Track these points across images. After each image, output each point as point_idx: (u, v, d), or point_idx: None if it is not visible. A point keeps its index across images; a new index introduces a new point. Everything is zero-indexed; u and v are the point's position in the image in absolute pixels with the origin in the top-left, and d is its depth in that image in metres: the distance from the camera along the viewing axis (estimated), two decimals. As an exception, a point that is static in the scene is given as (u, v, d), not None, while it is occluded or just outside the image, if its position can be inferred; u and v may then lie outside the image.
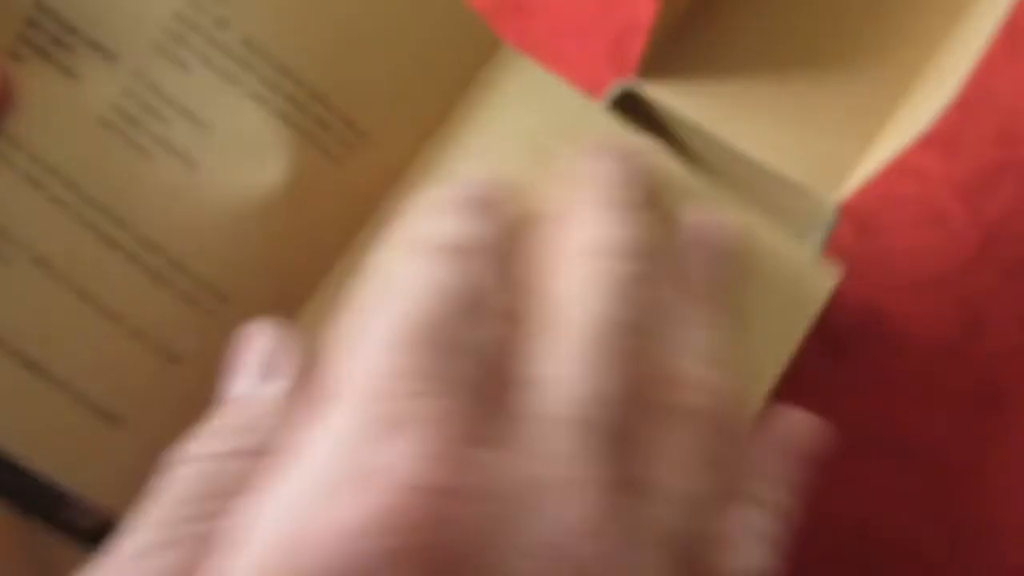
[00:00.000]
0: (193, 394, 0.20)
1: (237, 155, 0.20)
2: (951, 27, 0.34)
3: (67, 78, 0.19)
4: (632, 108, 0.35)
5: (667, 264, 0.19)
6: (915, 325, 0.40)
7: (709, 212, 0.21)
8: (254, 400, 0.16)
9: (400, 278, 0.17)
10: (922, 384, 0.38)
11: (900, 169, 0.44)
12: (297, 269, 0.21)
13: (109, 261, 0.19)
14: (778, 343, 0.22)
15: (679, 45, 0.34)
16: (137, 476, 0.19)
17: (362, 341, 0.16)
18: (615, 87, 0.34)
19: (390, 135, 0.21)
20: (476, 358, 0.16)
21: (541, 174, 0.22)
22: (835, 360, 0.39)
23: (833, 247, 0.32)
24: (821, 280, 0.24)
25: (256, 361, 0.17)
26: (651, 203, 0.19)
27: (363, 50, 0.21)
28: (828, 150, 0.33)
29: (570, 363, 0.16)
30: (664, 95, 0.34)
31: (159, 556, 0.15)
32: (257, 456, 0.16)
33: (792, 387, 0.24)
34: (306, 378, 0.17)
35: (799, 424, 0.20)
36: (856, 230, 0.42)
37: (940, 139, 0.45)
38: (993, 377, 0.39)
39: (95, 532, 0.20)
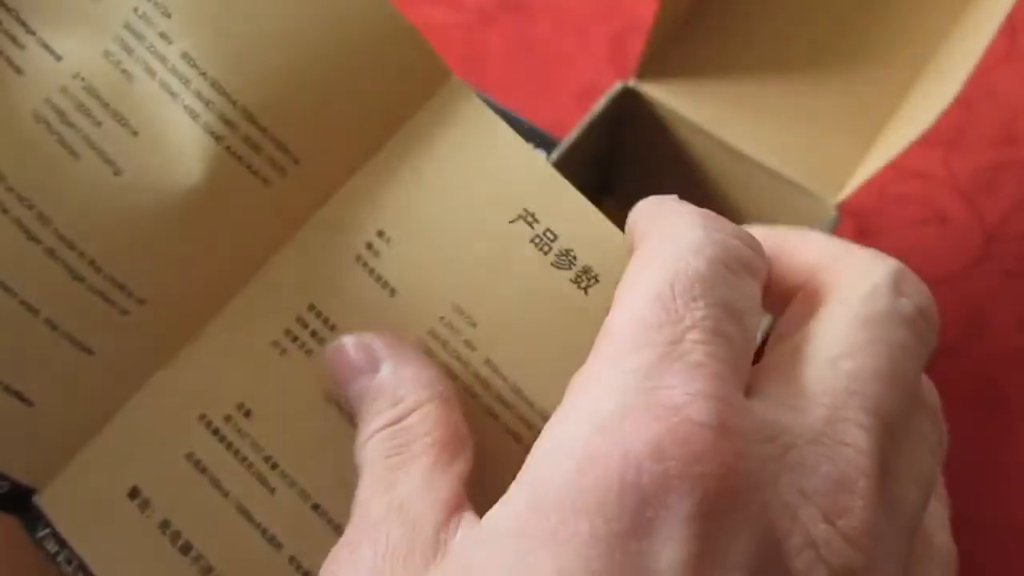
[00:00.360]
0: (106, 385, 0.21)
1: (162, 165, 0.20)
2: (952, 27, 0.34)
3: (15, 75, 0.20)
4: (632, 108, 0.35)
5: None
6: (915, 325, 0.40)
7: None
8: (383, 384, 0.20)
9: (668, 239, 0.18)
10: (922, 384, 0.38)
11: (901, 169, 0.44)
12: (214, 281, 0.21)
13: (29, 254, 0.20)
14: None
15: (679, 45, 0.34)
16: (48, 452, 0.21)
17: (632, 293, 0.17)
18: (615, 87, 0.34)
19: (323, 163, 0.21)
20: (739, 317, 0.17)
21: (467, 216, 0.22)
22: (835, 360, 0.39)
23: (833, 247, 0.32)
24: None
25: (360, 362, 0.20)
26: None
27: (305, 80, 0.21)
28: (829, 150, 0.33)
29: (863, 351, 0.17)
30: (664, 95, 0.34)
31: (388, 494, 0.18)
32: (415, 412, 0.19)
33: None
34: (398, 349, 0.20)
35: None
36: (856, 230, 0.42)
37: (941, 139, 0.45)
38: (993, 377, 0.39)
39: (7, 496, 0.21)
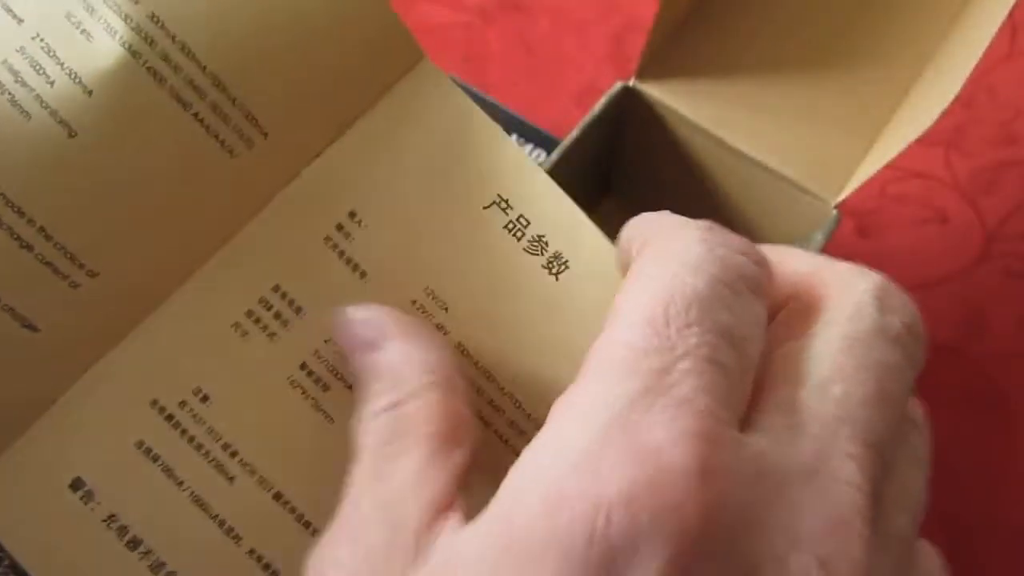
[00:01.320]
0: (50, 366, 0.19)
1: (121, 129, 0.19)
2: (951, 27, 0.34)
3: None
4: (632, 107, 0.35)
5: None
6: (915, 325, 0.40)
7: None
8: (385, 363, 0.19)
9: (666, 255, 0.17)
10: (922, 384, 0.38)
11: (901, 169, 0.44)
12: (173, 256, 0.20)
13: None
14: None
15: (679, 45, 0.34)
16: None
17: (623, 315, 0.16)
18: (615, 87, 0.34)
19: (292, 137, 0.21)
20: (738, 342, 0.16)
21: (441, 200, 0.21)
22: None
23: (833, 247, 0.32)
24: None
25: (366, 335, 0.20)
26: None
27: (277, 49, 0.20)
28: (829, 150, 0.33)
29: (852, 374, 0.16)
30: (664, 95, 0.34)
31: (378, 487, 0.18)
32: (415, 399, 0.19)
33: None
34: (406, 327, 0.20)
35: None
36: (856, 230, 0.42)
37: (941, 139, 0.45)
38: (993, 377, 0.39)
39: None
